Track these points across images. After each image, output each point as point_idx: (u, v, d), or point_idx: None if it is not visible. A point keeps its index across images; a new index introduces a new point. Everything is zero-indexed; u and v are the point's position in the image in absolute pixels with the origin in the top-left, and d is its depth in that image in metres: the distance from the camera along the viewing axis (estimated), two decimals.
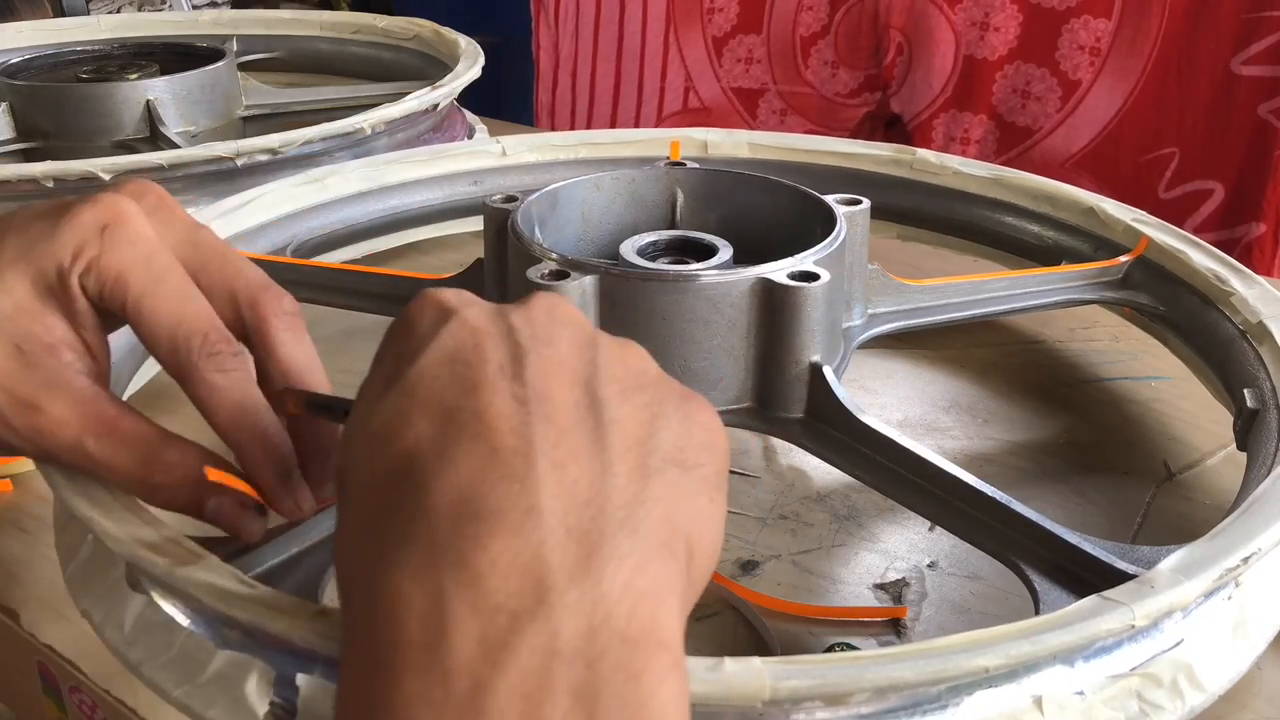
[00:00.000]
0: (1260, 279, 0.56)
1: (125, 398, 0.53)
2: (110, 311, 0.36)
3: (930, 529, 0.52)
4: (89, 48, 1.03)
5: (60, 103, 0.90)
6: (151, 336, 0.36)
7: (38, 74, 0.97)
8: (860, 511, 0.53)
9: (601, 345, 0.30)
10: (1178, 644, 0.36)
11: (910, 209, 0.72)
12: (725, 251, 0.55)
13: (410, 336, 0.29)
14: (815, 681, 0.30)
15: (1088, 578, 0.40)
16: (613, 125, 1.60)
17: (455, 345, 0.28)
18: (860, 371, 0.65)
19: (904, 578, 0.49)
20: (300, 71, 1.16)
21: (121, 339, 0.40)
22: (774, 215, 0.60)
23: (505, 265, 0.57)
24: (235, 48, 1.00)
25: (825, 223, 0.55)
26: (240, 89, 0.97)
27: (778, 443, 0.58)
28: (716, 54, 1.52)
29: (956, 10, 1.36)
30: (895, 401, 0.63)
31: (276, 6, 1.63)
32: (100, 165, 0.71)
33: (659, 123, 1.57)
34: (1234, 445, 0.52)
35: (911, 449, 0.46)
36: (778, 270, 0.50)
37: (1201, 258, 0.59)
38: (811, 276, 0.50)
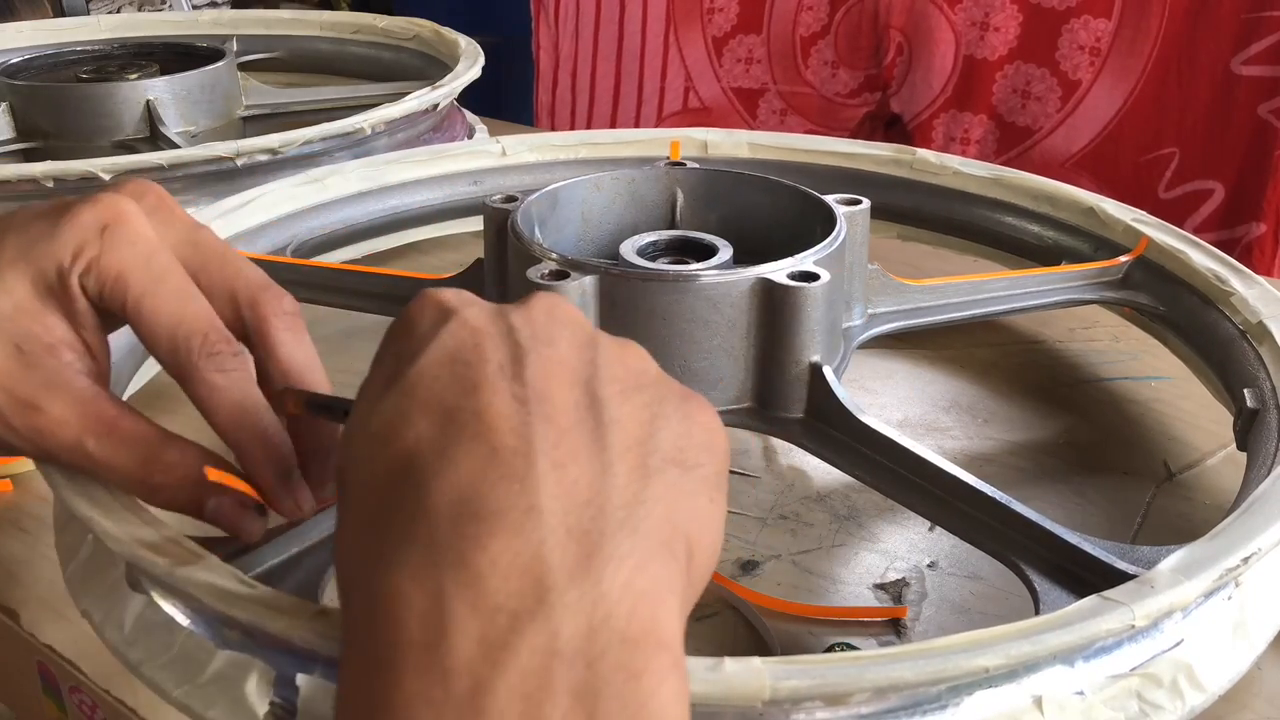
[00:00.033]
0: (1260, 279, 0.56)
1: (125, 398, 0.53)
2: (110, 312, 0.37)
3: (930, 529, 0.52)
4: (89, 48, 1.03)
5: (60, 103, 0.90)
6: (151, 336, 0.36)
7: (38, 74, 0.97)
8: (860, 511, 0.53)
9: (601, 345, 0.30)
10: (1178, 644, 0.36)
11: (910, 209, 0.72)
12: (725, 251, 0.55)
13: (410, 336, 0.29)
14: (815, 681, 0.30)
15: (1088, 578, 0.40)
16: (613, 125, 1.60)
17: (455, 345, 0.28)
18: (860, 371, 0.65)
19: (904, 578, 0.49)
20: (300, 71, 1.16)
21: (121, 339, 0.40)
22: (774, 215, 0.60)
23: (505, 265, 0.57)
24: (235, 48, 1.00)
25: (825, 223, 0.55)
26: (240, 89, 0.97)
27: (778, 443, 0.58)
28: (716, 54, 1.52)
29: (956, 10, 1.36)
30: (895, 401, 0.63)
31: (276, 6, 1.63)
32: (100, 165, 0.71)
33: (659, 123, 1.57)
34: (1234, 445, 0.52)
35: (911, 449, 0.46)
36: (778, 270, 0.50)
37: (1201, 258, 0.59)
38: (811, 276, 0.50)
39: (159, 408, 0.57)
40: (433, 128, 0.91)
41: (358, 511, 0.27)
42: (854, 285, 0.58)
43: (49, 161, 0.72)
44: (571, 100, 1.64)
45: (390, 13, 1.19)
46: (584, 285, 0.50)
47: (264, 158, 0.76)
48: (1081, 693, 0.34)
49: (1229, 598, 0.39)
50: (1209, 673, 0.37)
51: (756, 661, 0.30)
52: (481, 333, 0.28)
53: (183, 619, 0.36)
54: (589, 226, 0.62)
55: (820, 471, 0.55)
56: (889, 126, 1.48)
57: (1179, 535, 0.45)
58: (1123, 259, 0.62)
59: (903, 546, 0.51)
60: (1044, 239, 0.68)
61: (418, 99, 0.84)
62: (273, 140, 0.76)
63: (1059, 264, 0.65)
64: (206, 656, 0.35)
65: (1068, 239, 0.67)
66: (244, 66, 1.07)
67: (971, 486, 0.44)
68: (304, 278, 0.61)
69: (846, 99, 1.48)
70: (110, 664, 0.38)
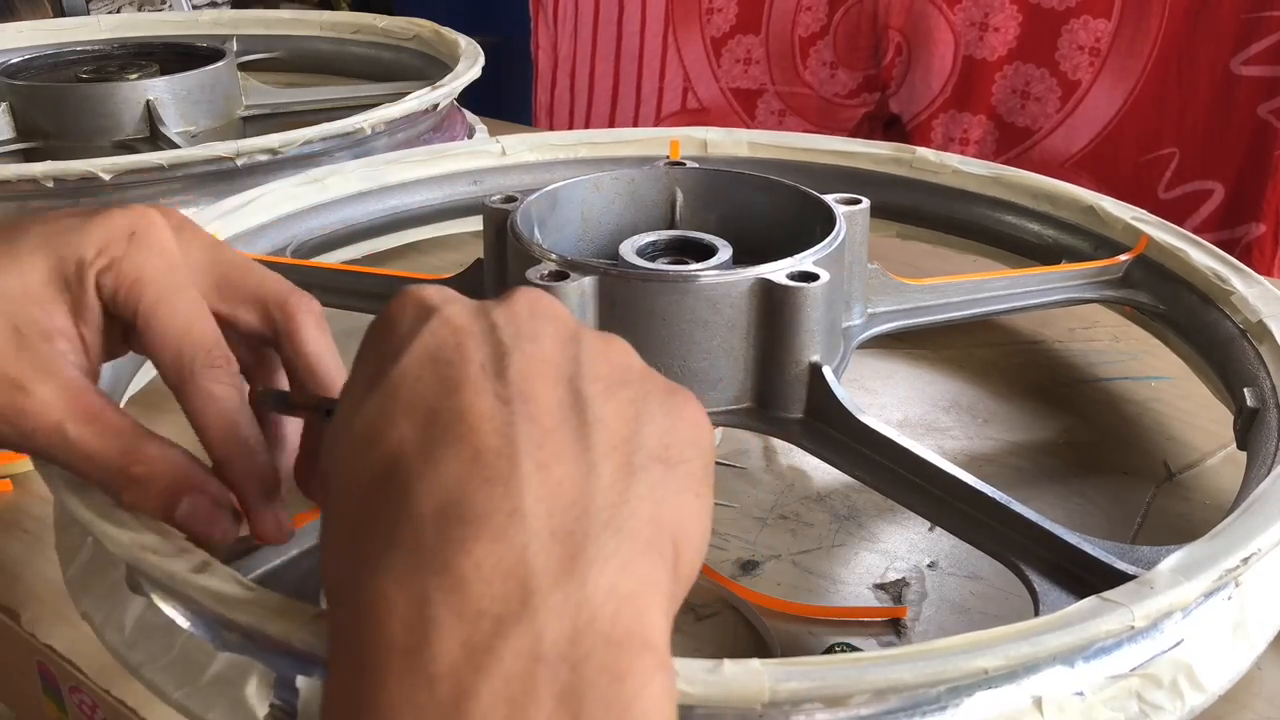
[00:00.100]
0: (1260, 278, 0.56)
1: (124, 400, 0.53)
2: (119, 315, 0.37)
3: (930, 529, 0.52)
4: (89, 48, 1.03)
5: (60, 103, 0.90)
6: (159, 343, 0.36)
7: (38, 74, 0.97)
8: (860, 511, 0.53)
9: (585, 341, 0.29)
10: (1178, 644, 0.36)
11: (910, 208, 0.72)
12: (725, 251, 0.55)
13: (391, 335, 0.29)
14: (815, 683, 0.30)
15: (1087, 578, 0.40)
16: (611, 125, 1.60)
17: (437, 344, 0.28)
18: (860, 371, 0.65)
19: (904, 578, 0.49)
20: (300, 71, 1.16)
21: None
22: (774, 215, 0.60)
23: (505, 265, 0.57)
24: (235, 48, 1.00)
25: (825, 222, 0.55)
26: (240, 89, 0.97)
27: (778, 443, 0.58)
28: (715, 54, 1.52)
29: (956, 10, 1.36)
30: (895, 401, 0.63)
31: (276, 6, 1.63)
32: (100, 165, 0.71)
33: (657, 123, 1.57)
34: (1234, 445, 0.52)
35: (911, 449, 0.46)
36: (777, 270, 0.50)
37: (1201, 256, 0.59)
38: (811, 276, 0.50)
39: (159, 408, 0.57)
40: (433, 128, 0.91)
41: (343, 514, 0.27)
42: (854, 285, 0.58)
43: (49, 161, 0.72)
44: (570, 100, 1.64)
45: (390, 13, 1.19)
46: (584, 285, 0.50)
47: (264, 158, 0.76)
48: (1081, 693, 0.34)
49: (1229, 598, 0.39)
50: (1209, 673, 0.37)
51: (756, 663, 0.30)
52: (464, 331, 0.28)
53: (183, 621, 0.36)
54: (589, 226, 0.62)
55: (820, 471, 0.55)
56: (888, 127, 1.48)
57: (1179, 535, 0.45)
58: (1123, 258, 0.62)
59: (903, 546, 0.51)
60: (1044, 238, 0.68)
61: (418, 99, 0.84)
62: (273, 140, 0.76)
63: (1059, 263, 0.65)
64: (206, 659, 0.35)
65: (1068, 238, 0.67)
66: (244, 66, 1.07)
67: (971, 486, 0.44)
68: (304, 278, 0.61)
69: (845, 99, 1.48)
70: (110, 664, 0.38)
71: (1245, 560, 0.36)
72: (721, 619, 0.47)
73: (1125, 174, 1.30)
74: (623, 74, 1.58)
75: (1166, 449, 0.59)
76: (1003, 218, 0.70)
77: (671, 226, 0.62)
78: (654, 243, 0.57)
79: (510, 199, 0.58)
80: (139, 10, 2.02)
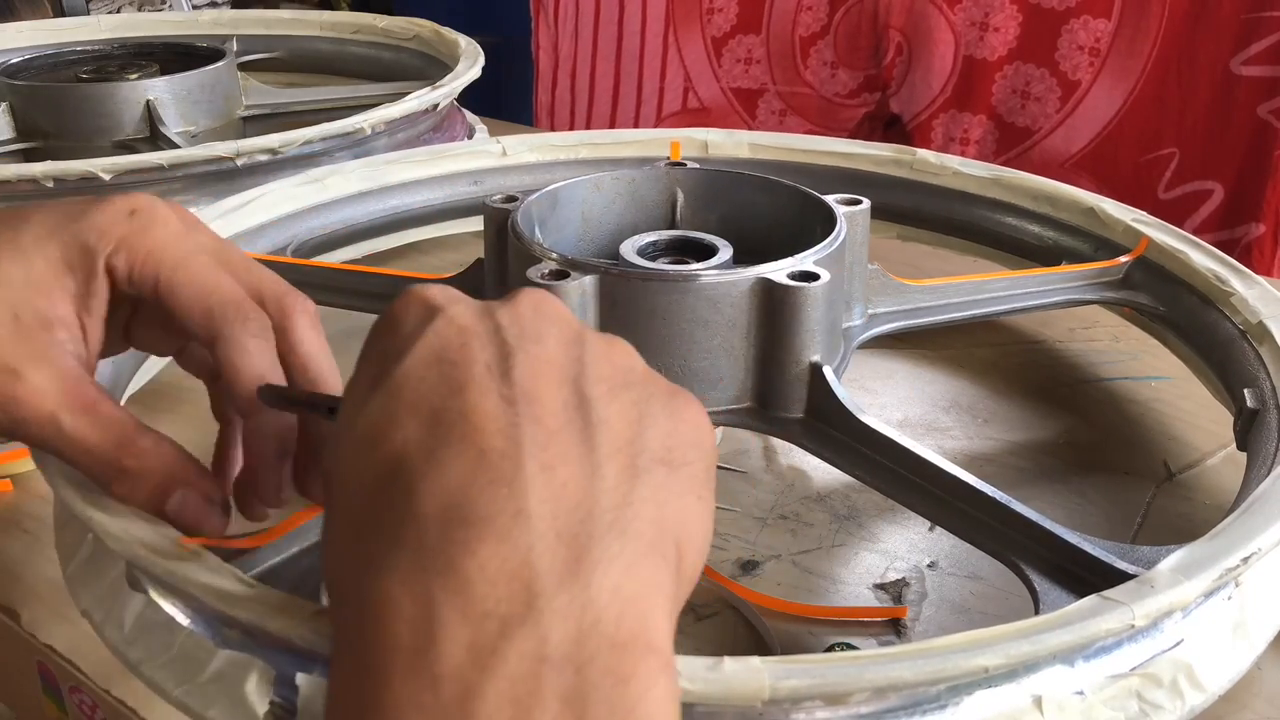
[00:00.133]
0: (1260, 279, 0.56)
1: (125, 398, 0.53)
2: (139, 290, 0.37)
3: (930, 529, 0.52)
4: (89, 48, 1.03)
5: (60, 103, 0.90)
6: (188, 304, 0.36)
7: (38, 74, 0.97)
8: (860, 511, 0.53)
9: (589, 342, 0.29)
10: (1178, 644, 0.36)
11: (910, 209, 0.72)
12: (725, 251, 0.55)
13: (395, 335, 0.29)
14: (815, 681, 0.30)
15: (1088, 578, 0.40)
16: (612, 125, 1.60)
17: (441, 344, 0.28)
18: (860, 371, 0.65)
19: (904, 578, 0.49)
20: (300, 71, 1.16)
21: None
22: (774, 215, 0.60)
23: (505, 265, 0.57)
24: (235, 48, 1.00)
25: (825, 223, 0.55)
26: (240, 89, 0.97)
27: (778, 443, 0.58)
28: (716, 54, 1.52)
29: (956, 10, 1.36)
30: (895, 401, 0.63)
31: (276, 6, 1.63)
32: (100, 165, 0.71)
33: (658, 123, 1.57)
34: (1234, 445, 0.52)
35: (911, 449, 0.46)
36: (778, 270, 0.50)
37: (1201, 258, 0.59)
38: (811, 276, 0.50)
39: (160, 408, 0.57)
40: (433, 128, 0.91)
41: (346, 514, 0.27)
42: (854, 285, 0.58)
43: (49, 161, 0.72)
44: (571, 100, 1.64)
45: (390, 13, 1.19)
46: (584, 285, 0.50)
47: (264, 158, 0.76)
48: (1081, 693, 0.34)
49: (1229, 598, 0.39)
50: (1209, 673, 0.37)
51: (756, 661, 0.30)
52: (468, 331, 0.28)
53: (183, 618, 0.36)
54: (589, 226, 0.62)
55: (820, 471, 0.55)
56: (888, 127, 1.48)
57: (1179, 535, 0.45)
58: (1123, 259, 0.62)
59: (903, 546, 0.51)
60: (1044, 239, 0.68)
61: (418, 99, 0.84)
62: (273, 140, 0.76)
63: (1059, 264, 0.65)
64: (206, 656, 0.35)
65: (1068, 239, 0.67)
66: (244, 66, 1.07)
67: (971, 486, 0.44)
68: (304, 278, 0.61)
69: (846, 99, 1.48)
70: (110, 664, 0.38)
71: (1245, 560, 0.36)
72: (721, 619, 0.47)
73: (1125, 174, 1.30)
74: (623, 74, 1.58)
75: (1167, 449, 0.59)
76: (1003, 219, 0.70)
77: (672, 227, 0.62)
78: (654, 243, 0.57)
79: (511, 199, 0.58)
80: (139, 10, 2.02)
